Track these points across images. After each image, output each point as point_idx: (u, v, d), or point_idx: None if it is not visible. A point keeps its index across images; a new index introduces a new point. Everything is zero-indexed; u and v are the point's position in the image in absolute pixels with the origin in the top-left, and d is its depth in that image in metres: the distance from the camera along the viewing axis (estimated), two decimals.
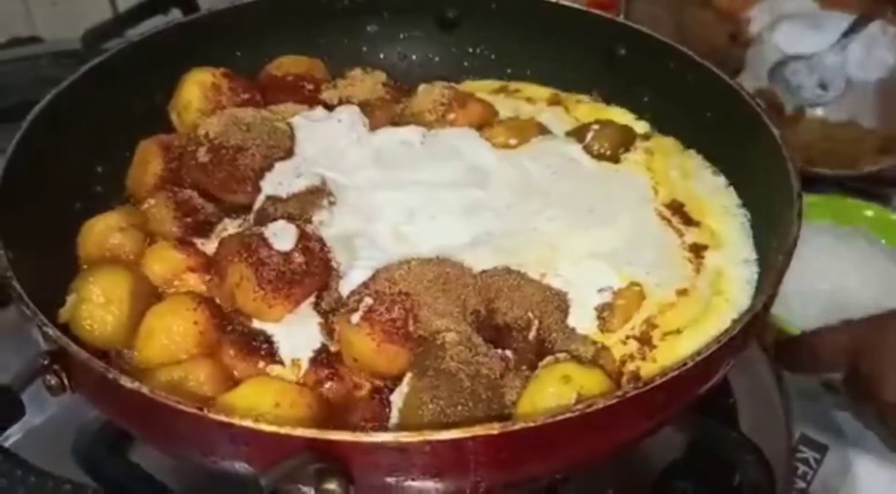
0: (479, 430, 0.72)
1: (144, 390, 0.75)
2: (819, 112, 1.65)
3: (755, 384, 1.18)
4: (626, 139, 1.19)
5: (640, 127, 1.24)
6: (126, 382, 0.75)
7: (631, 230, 1.06)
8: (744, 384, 1.16)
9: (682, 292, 0.99)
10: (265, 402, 0.84)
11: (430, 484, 0.76)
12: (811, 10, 1.82)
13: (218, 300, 0.98)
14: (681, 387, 0.81)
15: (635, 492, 1.07)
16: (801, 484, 1.18)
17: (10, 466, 0.77)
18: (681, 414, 0.94)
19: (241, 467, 0.76)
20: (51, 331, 0.81)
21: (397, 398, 0.86)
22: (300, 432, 0.72)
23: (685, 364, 0.78)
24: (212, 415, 0.72)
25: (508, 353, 0.91)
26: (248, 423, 0.72)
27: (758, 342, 1.20)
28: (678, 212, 1.09)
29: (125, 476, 1.06)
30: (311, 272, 0.96)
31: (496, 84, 1.33)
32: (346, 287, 0.96)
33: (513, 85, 1.33)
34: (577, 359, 0.90)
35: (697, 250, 1.05)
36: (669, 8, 1.87)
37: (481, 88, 1.32)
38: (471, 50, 1.37)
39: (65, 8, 1.97)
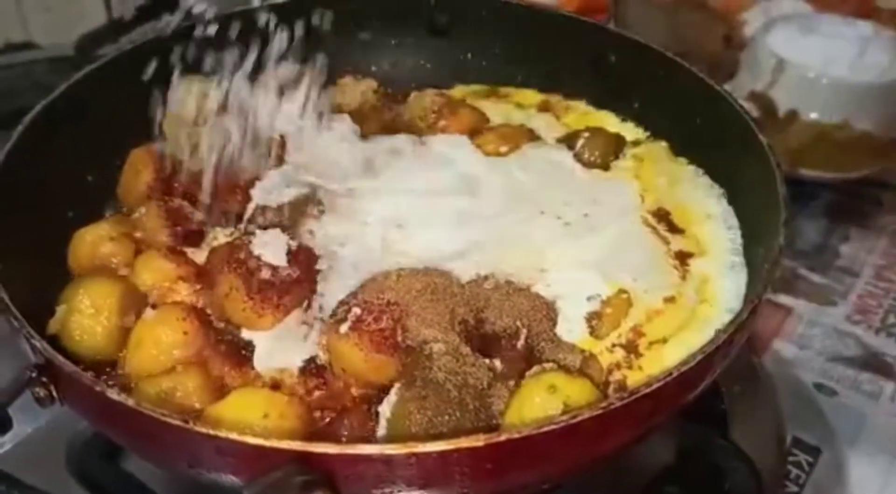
0: (463, 442, 0.72)
1: (130, 402, 0.75)
2: (812, 115, 1.65)
3: (746, 390, 1.18)
4: (615, 147, 1.19)
5: (630, 133, 1.24)
6: (112, 394, 0.76)
7: (618, 238, 1.06)
8: (735, 390, 1.16)
9: (669, 300, 1.00)
10: (253, 413, 0.84)
11: None
12: (805, 12, 1.82)
13: (208, 310, 0.98)
14: (667, 396, 0.81)
15: None
16: (794, 488, 1.18)
17: None
18: (671, 422, 0.94)
19: (227, 479, 0.76)
20: (38, 343, 0.81)
21: (385, 409, 0.87)
22: (285, 444, 0.72)
23: (671, 374, 0.78)
24: (197, 428, 0.72)
25: (496, 362, 0.92)
26: (233, 435, 0.72)
27: (748, 348, 1.20)
28: (664, 219, 1.10)
29: (117, 486, 1.06)
30: (300, 282, 0.96)
31: (486, 88, 1.34)
32: (335, 297, 0.96)
33: (503, 89, 1.33)
34: (564, 369, 0.90)
35: (683, 258, 1.05)
36: (664, 10, 1.87)
37: (471, 92, 1.33)
38: (462, 57, 1.37)
39: (60, 13, 1.96)
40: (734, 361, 0.90)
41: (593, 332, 0.97)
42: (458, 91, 1.32)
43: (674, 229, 1.09)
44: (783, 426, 1.21)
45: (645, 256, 1.05)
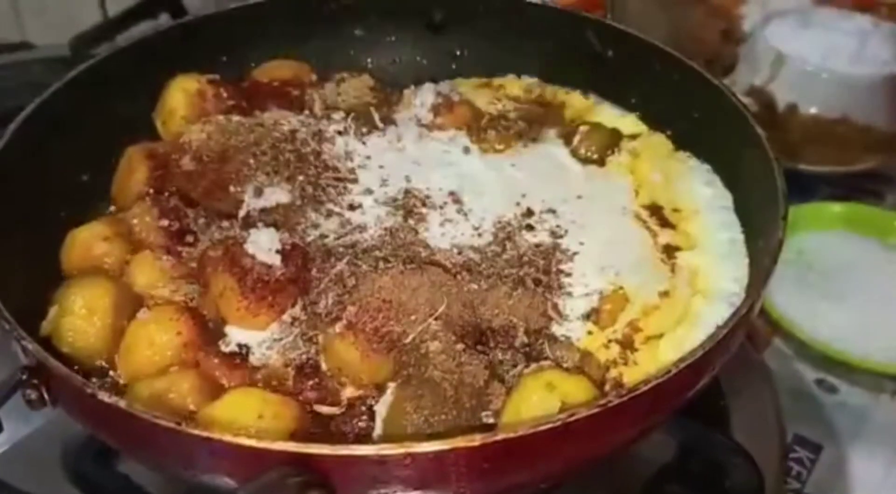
0: (459, 442, 0.71)
1: (122, 404, 0.74)
2: (812, 109, 1.64)
3: (746, 386, 1.18)
4: (612, 142, 1.19)
5: (628, 128, 1.23)
6: (103, 396, 0.75)
7: (613, 234, 1.06)
8: (735, 386, 1.15)
9: (664, 294, 0.99)
10: (248, 414, 0.83)
11: None
12: (804, 6, 1.81)
13: (202, 310, 0.97)
14: (666, 393, 0.80)
15: None
16: (796, 484, 1.18)
17: None
18: (670, 419, 0.93)
19: (221, 481, 0.76)
20: (29, 345, 0.81)
21: (381, 408, 0.86)
22: (279, 445, 0.71)
23: (669, 371, 0.77)
24: (189, 429, 0.72)
25: (493, 361, 0.91)
26: (226, 437, 0.71)
27: (748, 343, 1.19)
28: (656, 214, 1.10)
29: (114, 488, 1.05)
30: (295, 281, 0.95)
31: (480, 80, 1.33)
32: (330, 296, 0.95)
33: (497, 81, 1.33)
34: (561, 366, 0.90)
35: (669, 251, 1.05)
36: (662, 6, 1.87)
37: (466, 84, 1.32)
38: (458, 52, 1.36)
39: (55, 13, 1.96)
40: (735, 357, 0.90)
41: (591, 329, 0.96)
42: (453, 85, 1.30)
43: (665, 223, 1.08)
44: (783, 422, 1.20)
45: (637, 251, 1.04)
